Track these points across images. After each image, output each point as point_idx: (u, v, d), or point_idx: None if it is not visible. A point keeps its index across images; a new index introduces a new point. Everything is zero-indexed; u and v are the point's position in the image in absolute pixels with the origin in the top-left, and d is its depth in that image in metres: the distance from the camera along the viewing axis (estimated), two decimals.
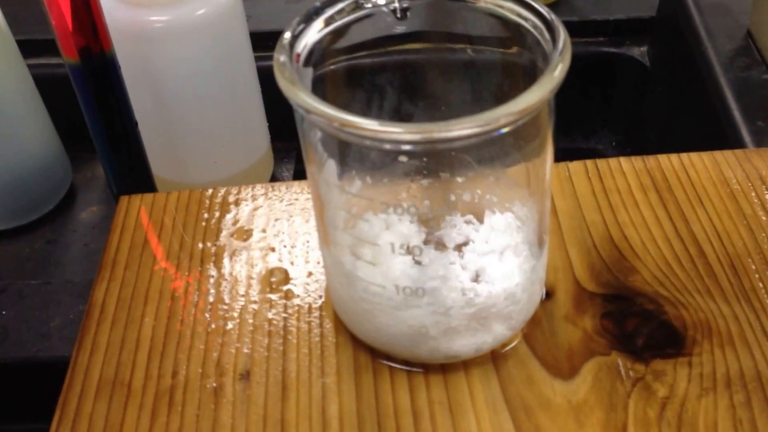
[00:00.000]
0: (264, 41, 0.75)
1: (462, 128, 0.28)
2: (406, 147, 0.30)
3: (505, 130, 0.29)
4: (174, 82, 0.62)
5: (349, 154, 0.34)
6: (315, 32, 0.33)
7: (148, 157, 0.58)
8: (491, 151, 0.34)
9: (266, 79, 0.69)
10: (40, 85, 0.68)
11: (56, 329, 0.53)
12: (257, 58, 0.68)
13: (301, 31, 0.33)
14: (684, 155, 0.46)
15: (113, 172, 0.56)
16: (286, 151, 0.80)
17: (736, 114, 0.59)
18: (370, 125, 0.28)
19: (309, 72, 0.33)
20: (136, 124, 0.55)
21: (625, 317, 0.38)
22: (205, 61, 0.62)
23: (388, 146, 0.30)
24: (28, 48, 0.67)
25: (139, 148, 0.56)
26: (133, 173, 0.56)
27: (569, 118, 0.83)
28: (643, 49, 0.78)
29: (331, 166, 0.33)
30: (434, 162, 0.35)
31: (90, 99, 0.52)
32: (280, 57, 0.31)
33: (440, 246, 0.36)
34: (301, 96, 0.29)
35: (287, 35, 0.32)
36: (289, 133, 0.76)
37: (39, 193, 0.70)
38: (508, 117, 0.28)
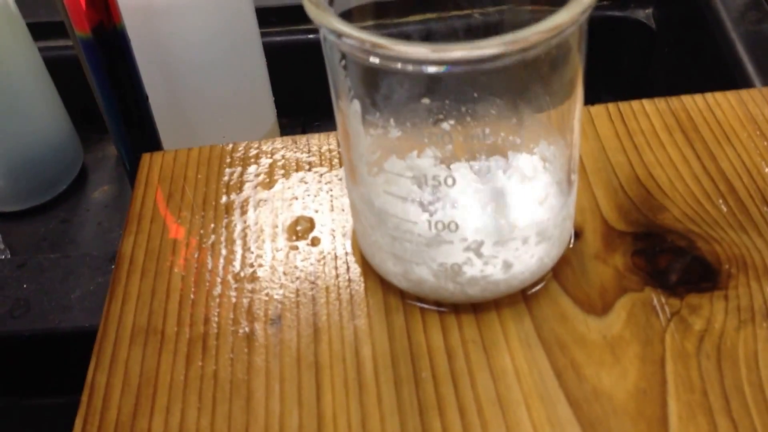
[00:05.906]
0: (268, 17, 0.75)
1: (490, 47, 0.28)
2: (434, 69, 0.29)
3: (532, 53, 0.29)
4: (181, 56, 0.62)
5: (378, 88, 0.33)
6: None
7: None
8: (522, 85, 0.34)
9: (271, 55, 0.69)
10: (48, 67, 0.68)
11: (77, 301, 0.53)
12: (262, 34, 0.67)
13: None
14: (708, 95, 0.46)
15: (125, 146, 0.56)
16: (292, 127, 0.80)
17: (749, 68, 0.59)
18: (399, 45, 0.28)
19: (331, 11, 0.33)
20: (147, 97, 0.55)
21: (657, 254, 0.38)
22: (211, 35, 0.62)
23: (412, 68, 0.29)
24: (35, 30, 0.67)
25: (151, 121, 0.56)
26: (145, 147, 0.56)
27: None
28: (648, 11, 0.78)
29: (359, 100, 0.33)
30: (460, 99, 0.35)
31: (102, 73, 0.52)
32: None
33: (473, 181, 0.36)
34: (330, 19, 0.29)
35: None
36: (294, 108, 0.77)
37: (52, 174, 0.70)
38: (536, 36, 0.28)
